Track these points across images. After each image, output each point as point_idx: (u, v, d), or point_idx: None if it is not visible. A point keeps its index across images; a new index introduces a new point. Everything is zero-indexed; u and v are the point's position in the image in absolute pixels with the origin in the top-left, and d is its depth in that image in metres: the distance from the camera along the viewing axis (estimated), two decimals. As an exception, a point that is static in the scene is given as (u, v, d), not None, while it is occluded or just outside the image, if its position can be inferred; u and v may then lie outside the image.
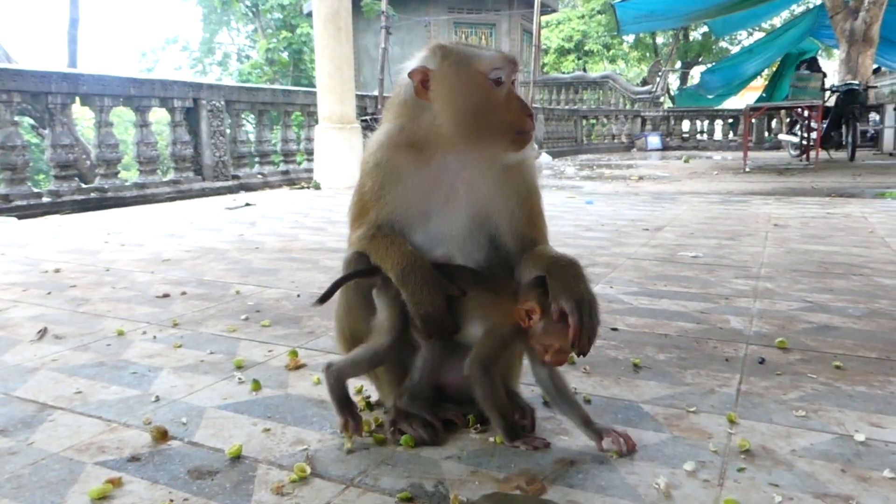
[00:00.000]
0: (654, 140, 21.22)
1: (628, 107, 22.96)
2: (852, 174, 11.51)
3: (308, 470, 1.61)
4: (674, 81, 30.27)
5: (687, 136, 21.63)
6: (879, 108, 17.45)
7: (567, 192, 8.56)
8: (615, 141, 21.70)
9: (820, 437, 1.80)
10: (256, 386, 2.13)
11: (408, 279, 1.65)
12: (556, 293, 1.60)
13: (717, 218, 6.04)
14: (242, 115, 10.54)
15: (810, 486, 1.55)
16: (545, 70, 28.61)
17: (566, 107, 21.78)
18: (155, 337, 2.69)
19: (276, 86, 12.49)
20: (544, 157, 16.12)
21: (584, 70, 30.56)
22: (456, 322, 1.70)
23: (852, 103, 14.38)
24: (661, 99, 24.52)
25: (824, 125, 15.33)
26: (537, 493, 1.53)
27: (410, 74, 1.69)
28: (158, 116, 13.48)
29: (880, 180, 10.18)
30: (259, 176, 10.16)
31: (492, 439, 1.78)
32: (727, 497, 1.49)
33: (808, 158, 14.62)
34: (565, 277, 1.62)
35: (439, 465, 1.66)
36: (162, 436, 1.79)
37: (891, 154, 16.31)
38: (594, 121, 22.05)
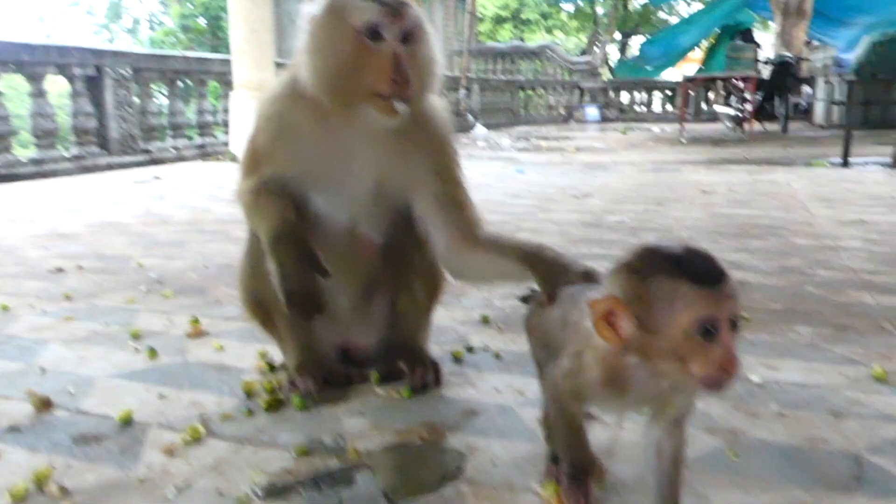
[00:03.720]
0: (592, 112, 21.62)
1: (566, 77, 23.26)
2: (783, 145, 12.08)
3: (202, 431, 1.63)
4: (613, 52, 30.89)
5: (625, 107, 22.13)
6: (812, 81, 18.29)
7: (500, 163, 8.68)
8: (553, 112, 22.00)
9: (719, 381, 1.93)
10: (152, 354, 2.12)
11: (278, 249, 1.58)
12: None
13: (647, 185, 6.26)
14: (152, 85, 10.17)
15: (702, 421, 1.67)
16: (480, 39, 28.67)
17: (502, 77, 21.92)
18: (44, 311, 2.62)
19: (190, 53, 12.08)
20: (480, 129, 16.23)
21: (522, 40, 30.76)
22: (321, 302, 1.60)
23: (785, 76, 15.08)
24: (600, 70, 24.97)
25: (759, 97, 16.03)
26: (437, 440, 1.60)
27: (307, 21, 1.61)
28: (59, 88, 12.88)
29: (810, 151, 10.71)
30: (172, 150, 9.86)
31: (396, 395, 1.83)
32: (625, 437, 1.60)
33: (742, 130, 15.23)
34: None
35: (341, 421, 1.70)
36: (44, 405, 1.76)
37: (821, 126, 17.15)
38: (531, 92, 22.27)
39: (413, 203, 1.75)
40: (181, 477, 1.45)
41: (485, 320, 2.46)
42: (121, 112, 9.12)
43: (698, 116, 20.49)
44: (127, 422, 1.69)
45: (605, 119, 21.53)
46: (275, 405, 1.77)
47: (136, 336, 2.30)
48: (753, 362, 2.06)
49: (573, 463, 1.27)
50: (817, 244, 3.70)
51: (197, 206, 5.28)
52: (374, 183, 1.70)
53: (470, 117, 17.59)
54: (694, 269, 1.03)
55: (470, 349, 2.18)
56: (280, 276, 1.57)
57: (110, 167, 8.73)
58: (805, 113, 19.25)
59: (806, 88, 18.60)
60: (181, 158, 9.80)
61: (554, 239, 3.85)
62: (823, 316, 2.50)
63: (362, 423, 1.70)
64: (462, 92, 16.90)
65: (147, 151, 9.47)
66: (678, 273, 1.02)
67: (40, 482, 1.40)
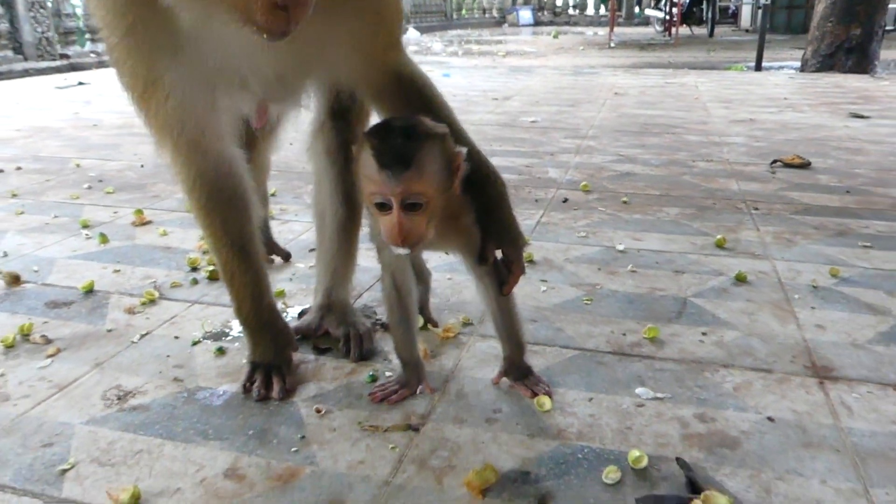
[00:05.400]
0: (525, 15, 21.55)
1: (500, -21, 22.95)
2: (708, 49, 12.54)
3: (156, 294, 1.96)
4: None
5: (559, 10, 22.13)
6: (739, -16, 18.66)
7: (427, 67, 8.82)
8: (486, 16, 21.83)
9: (591, 250, 2.35)
10: (104, 239, 2.40)
11: (230, 275, 1.51)
12: (499, 238, 1.41)
13: (565, 88, 6.61)
14: (65, -16, 9.73)
15: (570, 279, 2.10)
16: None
17: (436, -22, 21.45)
18: (-6, 207, 2.84)
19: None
20: (412, 33, 16.07)
21: (456, -63, 29.78)
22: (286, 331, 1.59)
23: (713, -21, 15.34)
24: (535, -29, 24.64)
25: (686, 1, 16.35)
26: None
27: None
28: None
29: (732, 55, 11.20)
30: (93, 55, 9.57)
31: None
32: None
33: (670, 34, 15.60)
34: (503, 219, 1.43)
35: (279, 285, 2.05)
36: (15, 280, 2.04)
37: (747, 30, 17.68)
38: (465, -6, 21.96)
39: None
40: (143, 328, 1.78)
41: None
42: (34, 13, 8.78)
43: (630, 20, 20.69)
44: (90, 290, 2.00)
45: (538, 22, 21.50)
46: (216, 276, 2.09)
47: (85, 225, 2.56)
48: (623, 235, 2.49)
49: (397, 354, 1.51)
50: (705, 140, 4.15)
51: (126, 111, 5.26)
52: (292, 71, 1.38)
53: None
54: (382, 151, 1.18)
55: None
56: (237, 307, 1.55)
57: (27, 72, 8.48)
58: (733, 17, 19.72)
59: (734, -8, 18.94)
60: (103, 63, 9.53)
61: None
62: (692, 199, 2.95)
63: (293, 286, 2.05)
64: (393, -7, 16.53)
65: (66, 56, 9.19)
66: (371, 152, 1.19)
67: (25, 334, 1.72)
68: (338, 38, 1.33)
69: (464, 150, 1.29)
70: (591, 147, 3.96)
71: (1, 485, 1.20)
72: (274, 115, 1.75)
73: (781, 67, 9.11)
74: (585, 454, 1.28)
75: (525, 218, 2.68)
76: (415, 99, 1.44)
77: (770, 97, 5.96)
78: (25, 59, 8.67)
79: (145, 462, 1.26)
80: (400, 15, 1.46)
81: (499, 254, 1.43)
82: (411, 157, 1.18)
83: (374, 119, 1.43)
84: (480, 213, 1.39)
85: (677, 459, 1.24)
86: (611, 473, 1.20)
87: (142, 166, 3.50)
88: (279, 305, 1.86)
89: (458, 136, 1.40)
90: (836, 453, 1.27)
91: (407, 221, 1.21)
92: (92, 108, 5.54)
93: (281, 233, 2.50)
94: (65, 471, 1.23)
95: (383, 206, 1.22)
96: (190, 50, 1.25)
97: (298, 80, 1.45)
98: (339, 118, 1.63)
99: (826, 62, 8.11)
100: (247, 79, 1.33)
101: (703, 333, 1.75)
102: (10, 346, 1.67)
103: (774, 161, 3.55)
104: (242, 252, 1.49)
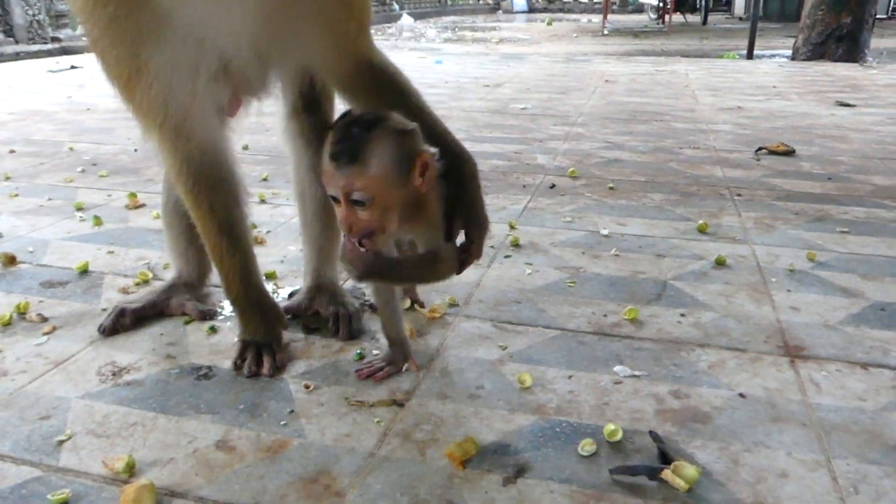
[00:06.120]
0: (520, 1, 21.47)
1: (495, -35, 22.82)
2: (701, 37, 12.55)
3: (150, 275, 1.99)
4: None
5: (553, -3, 22.04)
6: (733, -29, 18.62)
7: (420, 54, 8.82)
8: (481, 2, 21.75)
9: (576, 234, 2.40)
10: (98, 222, 2.43)
11: (225, 268, 1.55)
12: (467, 220, 1.44)
13: (556, 75, 6.63)
14: (56, -34, 9.66)
15: (554, 263, 2.14)
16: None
17: (430, -37, 21.32)
18: (-12, 189, 2.86)
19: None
20: (406, 19, 16.01)
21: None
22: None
23: (707, -34, 15.31)
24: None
25: (680, -13, 16.34)
26: (343, 278, 2.00)
27: None
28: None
29: (724, 43, 11.22)
30: (85, 38, 9.52)
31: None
32: (490, 273, 2.05)
33: (663, 22, 15.60)
34: (472, 201, 1.45)
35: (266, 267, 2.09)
36: (10, 261, 2.08)
37: (741, 18, 17.67)
38: (459, -20, 21.85)
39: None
40: (137, 308, 1.82)
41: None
42: (24, -5, 8.71)
43: (624, 7, 20.64)
44: (84, 271, 2.03)
45: (532, 9, 21.43)
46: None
47: (79, 208, 2.59)
48: (608, 220, 2.54)
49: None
50: (692, 128, 4.19)
51: (119, 95, 5.34)
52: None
53: (395, 6, 17.23)
54: (334, 143, 1.20)
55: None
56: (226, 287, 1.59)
57: (18, 56, 8.43)
58: (727, 5, 19.70)
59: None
60: (95, 47, 9.47)
61: (461, 124, 4.22)
62: (676, 186, 3.00)
63: (284, 268, 2.09)
64: (387, -22, 16.45)
65: (57, 39, 9.14)
66: (328, 146, 1.21)
67: (22, 312, 1.75)
68: (310, 22, 1.36)
69: (432, 150, 1.27)
70: (580, 134, 4.00)
71: (0, 454, 1.24)
72: (248, 105, 1.69)
73: (773, 55, 9.14)
74: (563, 428, 1.33)
75: (512, 203, 2.72)
76: (385, 88, 1.46)
77: (759, 85, 6.00)
78: (17, 43, 8.62)
79: (139, 434, 1.30)
80: (369, 3, 1.49)
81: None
82: (358, 152, 1.18)
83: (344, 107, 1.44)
84: (451, 194, 1.40)
85: (650, 432, 1.30)
86: (587, 446, 1.25)
87: (135, 150, 3.52)
88: (270, 287, 1.91)
89: (429, 122, 1.42)
90: (803, 427, 1.33)
91: (352, 215, 1.22)
92: (85, 92, 5.53)
93: (272, 216, 2.53)
94: (62, 441, 1.27)
95: (335, 198, 1.24)
96: (172, 35, 1.26)
97: (274, 63, 1.45)
98: (312, 104, 1.65)
99: (817, 50, 8.15)
100: (228, 63, 1.34)
101: (682, 315, 1.80)
102: (6, 324, 1.71)
103: (759, 148, 3.60)
104: (230, 235, 1.52)
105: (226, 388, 1.46)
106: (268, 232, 2.38)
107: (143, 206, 2.63)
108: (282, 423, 1.34)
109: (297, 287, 1.90)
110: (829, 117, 4.53)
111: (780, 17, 16.48)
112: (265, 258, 2.09)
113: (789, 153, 3.53)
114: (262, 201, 2.70)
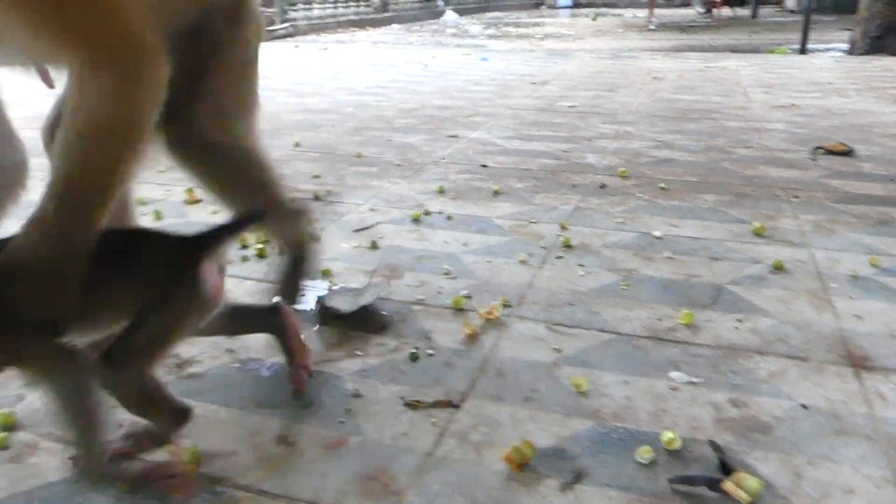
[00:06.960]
0: (564, -4, 21.26)
1: (540, -40, 22.62)
2: (750, 31, 12.25)
3: (208, 271, 2.03)
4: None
5: (599, -8, 21.75)
6: (786, -35, 18.10)
7: (466, 50, 8.81)
8: (525, -3, 21.58)
9: (628, 235, 2.37)
10: (158, 216, 2.49)
11: None
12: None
13: (603, 72, 6.54)
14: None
15: (607, 265, 2.12)
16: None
17: (475, -41, 21.24)
18: (52, 184, 2.95)
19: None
20: (450, 15, 16.00)
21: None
22: None
23: (757, -42, 14.92)
24: (575, -49, 24.23)
25: (730, -19, 15.96)
26: (396, 277, 2.02)
27: None
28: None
29: (775, 37, 10.91)
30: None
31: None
32: (542, 274, 2.04)
33: (711, 16, 15.26)
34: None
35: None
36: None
37: (792, 11, 17.19)
38: (504, -25, 21.71)
39: None
40: (196, 302, 1.86)
41: (440, 190, 2.85)
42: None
43: (671, 1, 20.26)
44: (146, 265, 2.08)
45: (576, 4, 21.20)
46: (264, 253, 2.17)
47: (140, 202, 2.65)
48: (660, 222, 2.50)
49: None
50: (745, 126, 4.09)
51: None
52: None
53: (440, 2, 17.24)
54: None
55: (427, 213, 2.58)
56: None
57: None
58: (777, -2, 19.17)
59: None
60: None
61: (507, 122, 4.20)
62: (730, 186, 2.93)
63: (339, 266, 2.11)
64: (432, -26, 16.48)
65: None
66: None
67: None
68: None
69: None
70: (629, 132, 3.94)
71: (64, 438, 1.27)
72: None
73: (827, 50, 8.84)
74: (620, 434, 1.31)
75: (563, 203, 2.70)
76: None
77: (813, 81, 5.83)
78: None
79: (203, 426, 1.33)
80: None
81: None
82: None
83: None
84: None
85: (710, 442, 1.27)
86: (645, 453, 1.24)
87: (190, 146, 3.59)
88: (326, 284, 1.93)
89: None
90: (869, 441, 1.29)
91: None
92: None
93: (325, 214, 2.56)
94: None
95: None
96: None
97: None
98: None
99: (875, 44, 7.85)
100: None
101: (739, 320, 1.76)
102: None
103: (817, 148, 3.50)
104: None
105: (283, 383, 1.48)
106: (321, 229, 2.41)
107: (199, 201, 2.69)
108: (339, 420, 1.36)
109: (352, 284, 1.92)
110: (890, 115, 4.38)
111: (834, 9, 15.95)
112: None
113: (848, 153, 3.42)
114: (317, 198, 2.73)
